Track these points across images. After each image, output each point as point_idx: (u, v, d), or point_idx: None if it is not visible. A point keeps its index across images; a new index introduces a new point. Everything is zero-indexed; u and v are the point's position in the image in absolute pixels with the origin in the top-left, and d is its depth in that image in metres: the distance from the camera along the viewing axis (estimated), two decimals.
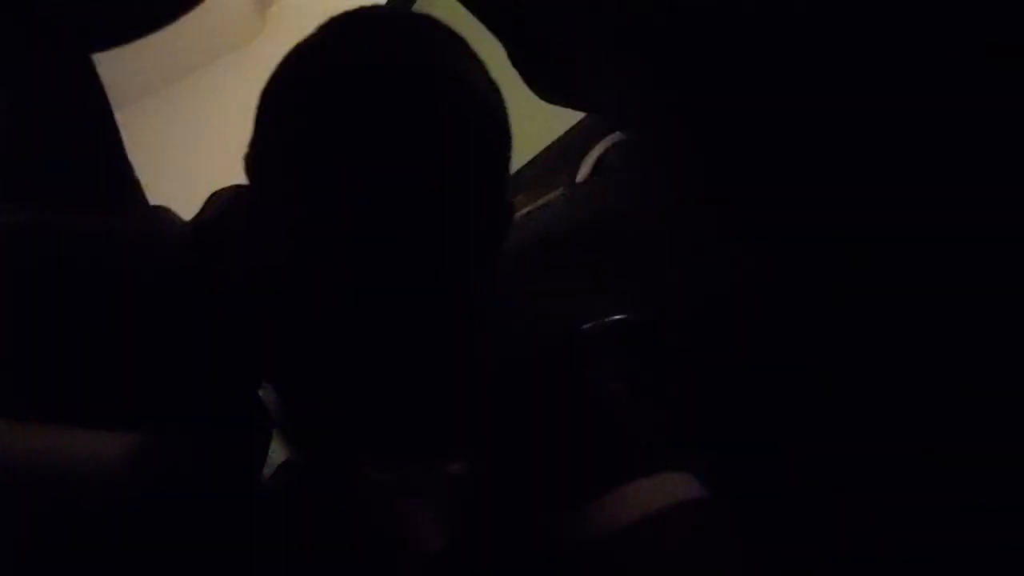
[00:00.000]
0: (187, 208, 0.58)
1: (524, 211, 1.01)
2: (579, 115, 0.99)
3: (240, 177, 0.47)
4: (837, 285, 0.56)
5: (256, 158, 0.46)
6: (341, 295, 0.43)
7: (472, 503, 0.44)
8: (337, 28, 0.46)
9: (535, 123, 1.01)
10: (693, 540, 0.42)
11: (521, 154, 1.07)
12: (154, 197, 0.68)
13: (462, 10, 0.67)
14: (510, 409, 0.46)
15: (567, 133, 1.01)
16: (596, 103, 0.71)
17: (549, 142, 1.05)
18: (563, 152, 1.00)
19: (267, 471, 0.54)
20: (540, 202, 1.00)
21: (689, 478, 0.44)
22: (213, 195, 0.50)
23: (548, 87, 0.68)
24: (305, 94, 0.43)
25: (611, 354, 0.68)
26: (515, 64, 0.67)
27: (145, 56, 1.61)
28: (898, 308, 0.52)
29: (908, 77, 0.45)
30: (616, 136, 0.94)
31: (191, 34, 1.48)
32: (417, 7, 1.01)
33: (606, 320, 0.77)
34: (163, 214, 0.54)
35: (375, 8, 0.53)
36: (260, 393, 0.52)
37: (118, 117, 0.71)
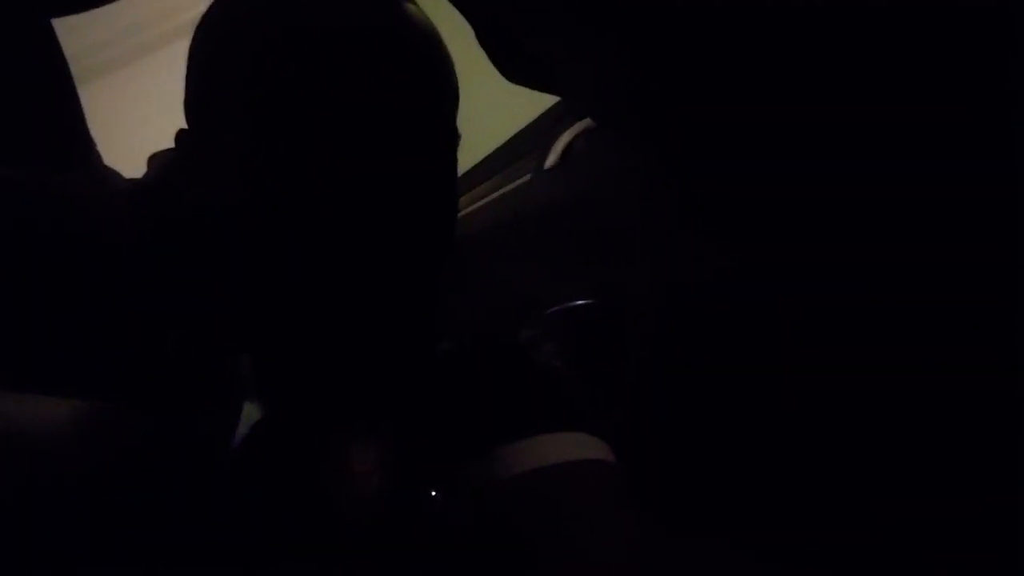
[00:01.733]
0: None
1: (492, 196, 1.01)
2: (548, 102, 0.98)
3: None
4: (805, 284, 0.56)
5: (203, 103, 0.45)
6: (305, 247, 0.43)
7: (408, 455, 0.45)
8: None
9: (504, 109, 1.00)
10: (578, 497, 0.43)
11: (490, 140, 1.06)
12: (123, 171, 0.67)
13: None
14: (456, 373, 0.47)
15: (536, 120, 1.01)
16: (563, 85, 0.70)
17: (518, 129, 1.04)
18: (532, 138, 0.99)
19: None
20: (508, 187, 0.99)
21: (596, 441, 0.45)
22: (153, 156, 0.49)
23: (514, 67, 0.67)
24: (242, 33, 0.43)
25: (566, 335, 0.68)
26: (482, 43, 0.66)
27: (114, 31, 1.58)
28: (872, 318, 0.52)
29: (897, 72, 0.44)
30: (585, 123, 0.93)
31: (158, 11, 1.46)
32: None
33: (569, 305, 0.76)
34: (109, 174, 0.52)
35: None
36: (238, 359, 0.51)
37: (85, 91, 0.70)
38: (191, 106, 0.46)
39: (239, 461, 0.49)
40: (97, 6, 0.67)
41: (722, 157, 0.56)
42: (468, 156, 1.08)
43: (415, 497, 0.45)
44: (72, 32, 0.72)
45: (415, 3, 0.48)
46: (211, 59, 0.45)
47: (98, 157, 0.72)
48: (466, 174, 1.05)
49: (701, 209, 0.64)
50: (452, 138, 0.50)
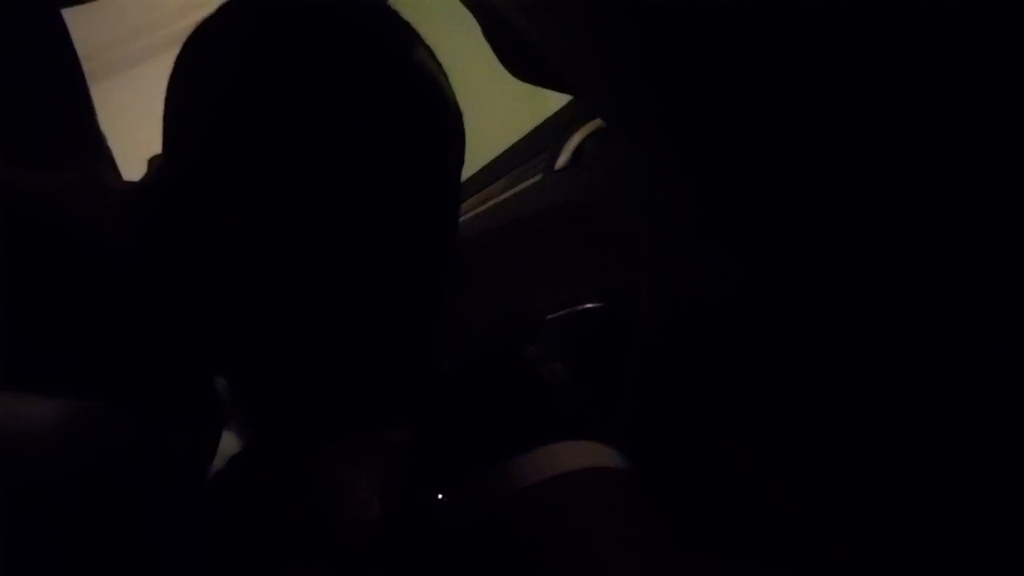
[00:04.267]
0: None
1: (502, 197, 1.00)
2: (559, 102, 0.98)
3: None
4: (816, 291, 0.55)
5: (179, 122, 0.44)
6: (282, 269, 0.42)
7: (409, 469, 0.44)
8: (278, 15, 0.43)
9: (514, 109, 1.00)
10: (590, 506, 0.42)
11: (501, 140, 1.05)
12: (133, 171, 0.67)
13: None
14: (453, 382, 0.47)
15: (547, 120, 1.00)
16: (571, 83, 0.69)
17: (529, 128, 1.03)
18: (543, 139, 0.99)
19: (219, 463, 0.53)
20: (518, 188, 0.98)
21: (604, 448, 0.45)
22: (153, 157, 0.48)
23: (524, 65, 0.66)
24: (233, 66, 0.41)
25: (572, 340, 0.67)
26: (490, 41, 0.65)
27: (125, 31, 1.59)
28: (884, 336, 0.51)
29: (913, 79, 0.43)
30: (597, 123, 0.92)
31: (170, 11, 1.47)
32: None
33: (573, 309, 0.75)
34: (106, 174, 0.52)
35: None
36: (215, 383, 0.51)
37: (96, 89, 0.70)
38: (167, 131, 0.44)
39: (227, 488, 0.48)
40: None
41: (735, 158, 0.55)
42: (478, 156, 1.08)
43: (420, 510, 0.44)
44: (84, 31, 0.72)
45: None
46: (187, 97, 0.43)
47: (108, 153, 0.72)
48: (476, 174, 1.05)
49: (712, 211, 0.63)
50: (453, 193, 0.48)
